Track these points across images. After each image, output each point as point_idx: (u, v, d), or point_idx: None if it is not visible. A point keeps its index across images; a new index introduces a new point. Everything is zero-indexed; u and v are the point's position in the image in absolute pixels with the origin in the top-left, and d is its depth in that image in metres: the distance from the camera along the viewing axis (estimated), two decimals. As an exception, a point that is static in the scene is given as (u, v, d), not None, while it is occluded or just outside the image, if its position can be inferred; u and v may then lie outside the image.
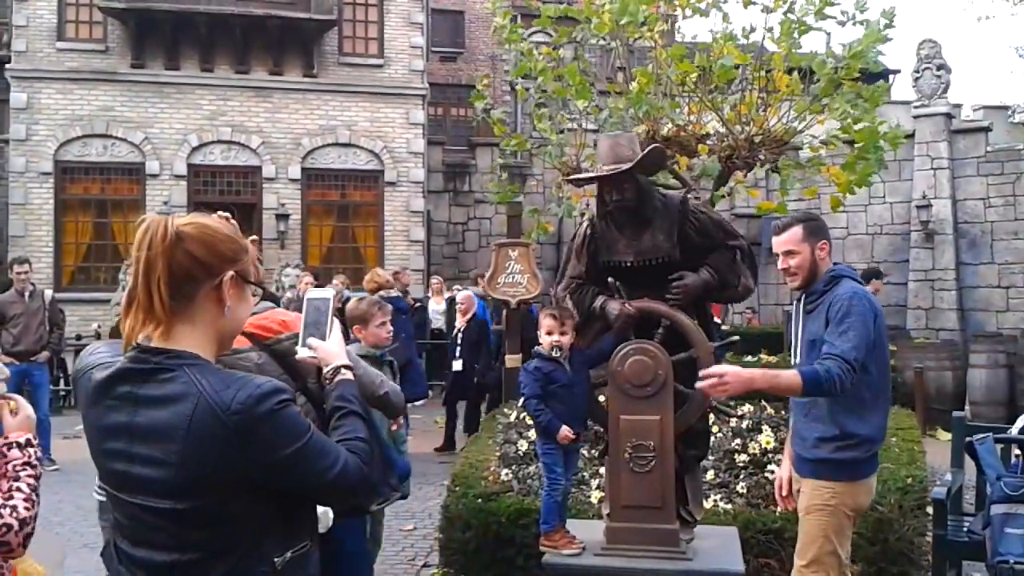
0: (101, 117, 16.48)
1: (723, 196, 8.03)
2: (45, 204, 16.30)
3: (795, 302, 3.96)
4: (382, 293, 8.25)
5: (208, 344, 1.89)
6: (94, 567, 5.95)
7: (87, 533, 6.57)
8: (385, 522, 5.42)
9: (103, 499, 3.50)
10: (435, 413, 11.56)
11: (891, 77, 23.70)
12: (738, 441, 6.75)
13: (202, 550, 1.79)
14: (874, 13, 7.27)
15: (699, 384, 3.53)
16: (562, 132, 8.61)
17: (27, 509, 2.43)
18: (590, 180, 4.53)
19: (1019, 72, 54.49)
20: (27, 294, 9.63)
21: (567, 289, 4.23)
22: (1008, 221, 15.49)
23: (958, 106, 18.29)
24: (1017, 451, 4.59)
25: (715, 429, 7.02)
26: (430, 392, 11.24)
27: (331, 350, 2.17)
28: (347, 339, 3.56)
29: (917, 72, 16.17)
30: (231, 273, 1.90)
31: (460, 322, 10.75)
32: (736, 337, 5.72)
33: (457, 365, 10.50)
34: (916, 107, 16.22)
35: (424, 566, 6.17)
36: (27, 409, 2.76)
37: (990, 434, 4.38)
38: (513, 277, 9.92)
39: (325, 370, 2.16)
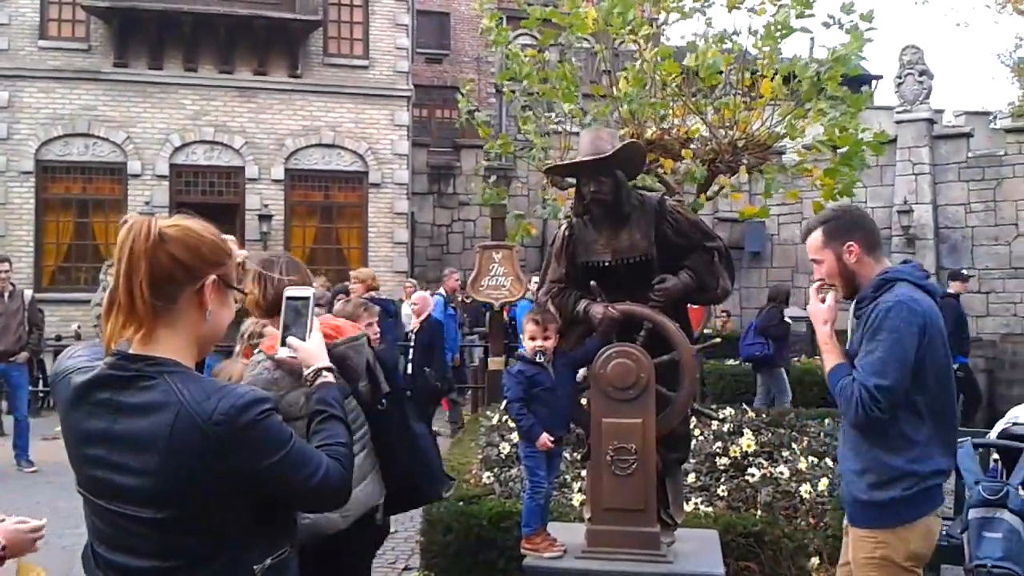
0: (83, 116, 16.37)
1: (705, 202, 8.05)
2: (26, 203, 16.17)
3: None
4: (373, 294, 8.23)
5: (188, 349, 1.88)
6: (77, 571, 5.93)
7: (65, 535, 6.49)
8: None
9: None
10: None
11: (874, 82, 23.88)
12: (719, 444, 6.78)
13: (182, 558, 1.78)
14: (856, 17, 7.32)
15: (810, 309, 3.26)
16: (547, 135, 8.62)
17: None
18: (568, 168, 4.55)
19: (1001, 78, 54.99)
20: (6, 294, 9.54)
21: (549, 293, 4.23)
22: (988, 226, 15.63)
23: (940, 112, 18.45)
24: (996, 455, 4.61)
25: (696, 432, 7.06)
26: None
27: (312, 351, 2.16)
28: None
29: (899, 77, 16.30)
30: (213, 277, 1.88)
31: (414, 324, 10.44)
32: (718, 339, 5.74)
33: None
34: (898, 112, 16.35)
35: (405, 569, 6.15)
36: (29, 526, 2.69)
37: (969, 438, 4.40)
38: (497, 280, 9.94)
39: (306, 372, 2.16)
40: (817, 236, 3.29)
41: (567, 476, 5.99)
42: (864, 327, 3.10)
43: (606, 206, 4.05)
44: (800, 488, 5.61)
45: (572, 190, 4.57)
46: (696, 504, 5.41)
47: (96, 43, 16.55)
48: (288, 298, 2.19)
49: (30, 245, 16.09)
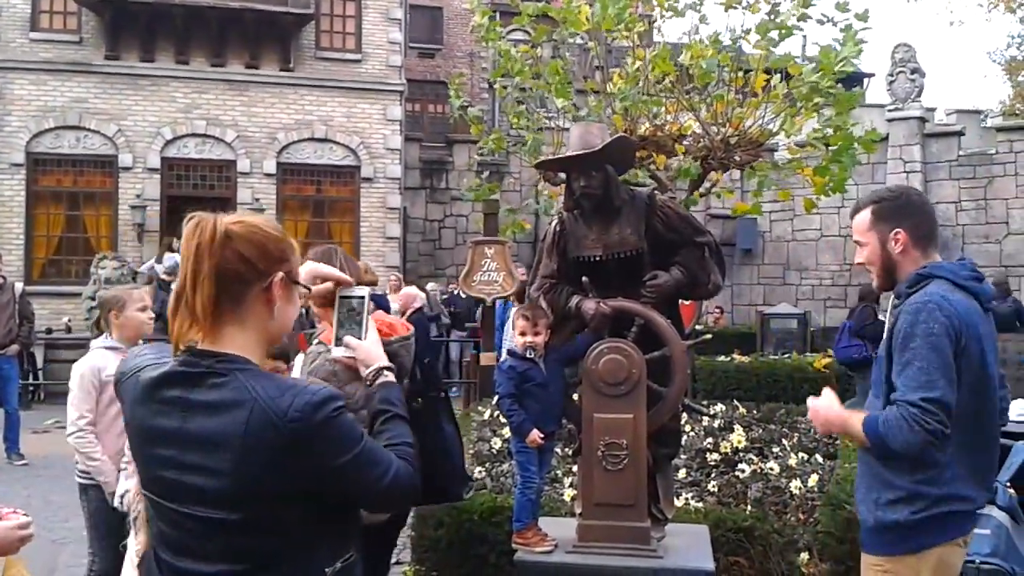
0: (74, 109, 16.31)
1: (698, 199, 8.07)
2: (16, 196, 16.11)
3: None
4: (375, 290, 8.21)
5: (256, 347, 1.83)
6: (63, 563, 5.93)
7: (56, 528, 6.50)
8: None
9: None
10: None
11: (866, 80, 23.93)
12: (710, 440, 6.81)
13: (252, 561, 1.74)
14: (850, 16, 7.33)
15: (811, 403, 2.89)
16: (539, 131, 8.62)
17: None
18: (558, 162, 4.57)
19: (992, 77, 55.18)
20: (-3, 286, 9.50)
21: (540, 289, 4.23)
22: (979, 224, 15.70)
23: (932, 110, 18.52)
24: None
25: (687, 428, 7.09)
26: None
27: (371, 351, 2.11)
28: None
29: (891, 76, 16.34)
30: (281, 274, 1.84)
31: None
32: (709, 336, 5.75)
33: None
34: (890, 110, 16.40)
35: (396, 563, 6.14)
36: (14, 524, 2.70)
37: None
38: (489, 275, 9.94)
39: (366, 372, 2.11)
40: (865, 216, 2.92)
41: (558, 471, 6.00)
42: (894, 333, 2.71)
43: (596, 201, 4.06)
44: (790, 484, 5.64)
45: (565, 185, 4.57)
46: (687, 499, 5.43)
47: (88, 35, 16.49)
48: (342, 297, 2.14)
49: (20, 238, 16.03)
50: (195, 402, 1.73)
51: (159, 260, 14.60)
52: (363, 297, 2.14)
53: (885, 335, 2.82)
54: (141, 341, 4.50)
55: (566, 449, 5.87)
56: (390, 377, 2.06)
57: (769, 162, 8.25)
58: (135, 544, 3.25)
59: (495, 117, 20.13)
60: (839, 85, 7.26)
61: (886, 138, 15.48)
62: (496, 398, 4.19)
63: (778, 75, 7.37)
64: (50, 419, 11.27)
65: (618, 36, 7.87)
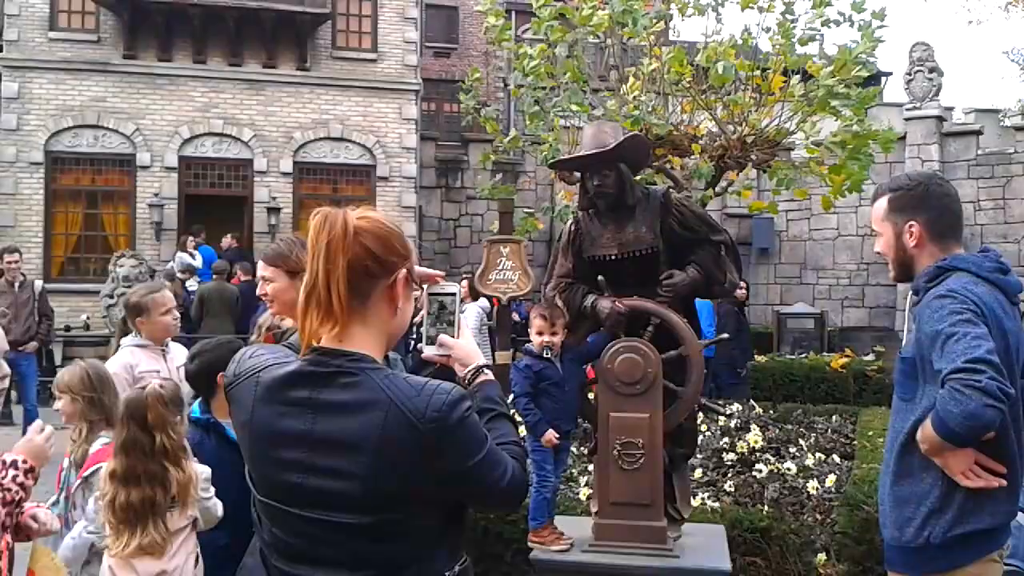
0: (93, 108, 16.40)
1: (712, 197, 8.05)
2: (35, 194, 16.21)
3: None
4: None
5: (379, 346, 1.78)
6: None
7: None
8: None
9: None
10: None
11: (883, 79, 23.80)
12: (726, 440, 6.79)
13: (373, 567, 1.68)
14: (867, 15, 7.30)
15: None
16: (554, 130, 8.62)
17: None
18: (572, 162, 4.59)
19: (1010, 76, 54.77)
20: (17, 284, 9.58)
21: (556, 288, 4.23)
22: (998, 224, 15.58)
23: (950, 109, 18.39)
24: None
25: (703, 428, 7.07)
26: None
27: (468, 349, 2.04)
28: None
29: (909, 75, 16.23)
30: (404, 271, 1.80)
31: None
32: (726, 335, 5.74)
33: None
34: (908, 109, 16.29)
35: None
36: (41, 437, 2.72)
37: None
38: (504, 274, 9.94)
39: (464, 371, 2.02)
40: (881, 205, 2.76)
41: (574, 470, 6.00)
42: (918, 333, 2.51)
43: (610, 199, 4.07)
44: (807, 484, 5.62)
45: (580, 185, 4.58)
46: (703, 499, 5.42)
47: (106, 35, 16.57)
48: (431, 294, 2.04)
49: (39, 236, 16.14)
50: (324, 403, 1.67)
51: (173, 258, 14.70)
52: (454, 294, 2.06)
53: (910, 332, 2.65)
54: (169, 340, 4.69)
55: (582, 448, 5.87)
56: (489, 376, 1.99)
57: (786, 161, 8.23)
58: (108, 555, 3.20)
59: (510, 116, 20.12)
60: (857, 88, 7.23)
61: (904, 137, 15.39)
62: (511, 397, 4.21)
63: (796, 75, 7.35)
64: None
65: (636, 36, 7.86)
